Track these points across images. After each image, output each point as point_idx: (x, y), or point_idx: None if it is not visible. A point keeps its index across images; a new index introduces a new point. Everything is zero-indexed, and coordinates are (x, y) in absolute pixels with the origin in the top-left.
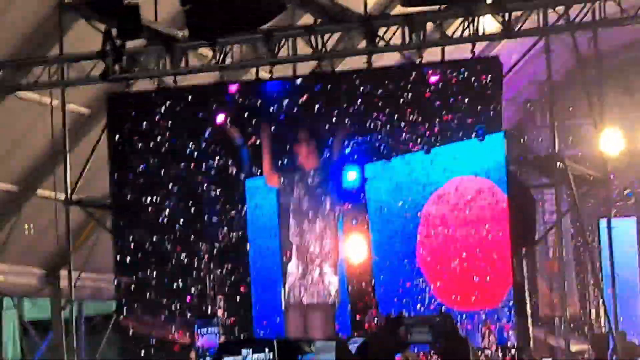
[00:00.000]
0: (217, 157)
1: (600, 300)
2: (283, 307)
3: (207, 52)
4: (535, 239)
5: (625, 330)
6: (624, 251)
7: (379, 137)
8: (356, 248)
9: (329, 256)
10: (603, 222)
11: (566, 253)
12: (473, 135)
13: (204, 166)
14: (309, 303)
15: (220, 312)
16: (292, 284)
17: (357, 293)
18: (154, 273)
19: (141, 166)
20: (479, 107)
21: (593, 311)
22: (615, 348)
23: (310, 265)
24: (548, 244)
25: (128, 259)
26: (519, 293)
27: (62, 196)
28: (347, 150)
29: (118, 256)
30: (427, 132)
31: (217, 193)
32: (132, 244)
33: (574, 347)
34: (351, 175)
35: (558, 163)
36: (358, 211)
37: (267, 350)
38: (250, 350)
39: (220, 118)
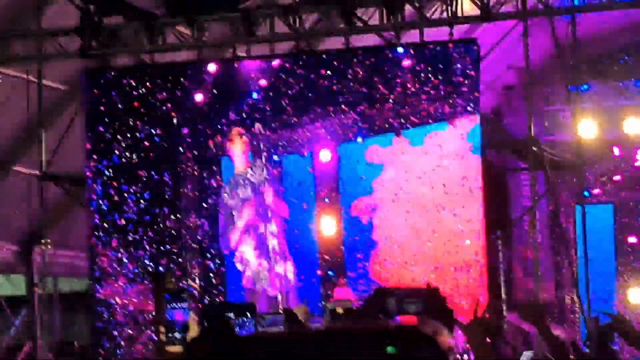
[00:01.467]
0: (194, 134)
1: (575, 286)
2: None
3: (185, 29)
4: (510, 222)
5: (599, 316)
6: (601, 237)
7: (354, 118)
8: (328, 224)
9: (281, 252)
10: (579, 208)
11: (542, 238)
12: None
13: (180, 142)
14: (274, 295)
15: (195, 285)
16: (255, 273)
17: (328, 266)
18: (130, 247)
19: (117, 142)
20: (455, 89)
21: (567, 296)
22: (589, 334)
23: (272, 259)
24: (524, 228)
25: (102, 233)
26: (493, 276)
27: (37, 172)
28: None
29: (92, 230)
30: (400, 114)
31: (194, 168)
32: (106, 219)
33: None
34: (324, 155)
35: (533, 147)
36: (330, 189)
37: (249, 314)
38: (233, 314)
39: (199, 97)
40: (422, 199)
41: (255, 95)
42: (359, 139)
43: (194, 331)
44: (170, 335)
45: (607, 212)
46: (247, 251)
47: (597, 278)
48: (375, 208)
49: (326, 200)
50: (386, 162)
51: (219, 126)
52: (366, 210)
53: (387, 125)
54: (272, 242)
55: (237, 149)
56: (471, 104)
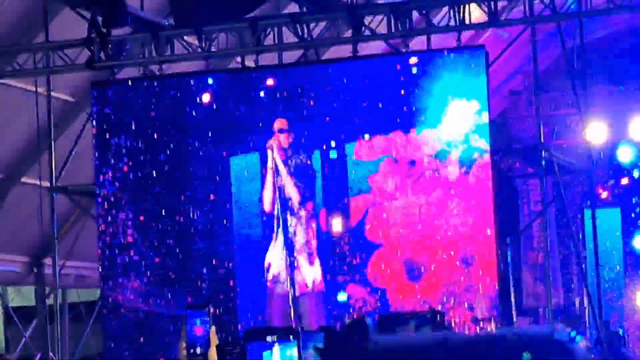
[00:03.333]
0: (202, 138)
1: (585, 290)
2: (268, 296)
3: (192, 40)
4: (519, 228)
5: (608, 320)
6: (609, 241)
7: (361, 118)
8: (337, 224)
9: (305, 248)
10: (588, 212)
11: (551, 243)
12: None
13: (189, 150)
14: (297, 295)
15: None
16: (276, 274)
17: (338, 266)
18: (140, 256)
19: (126, 153)
20: (463, 96)
21: (577, 301)
22: (599, 338)
23: (296, 256)
24: (533, 234)
25: (113, 245)
26: (503, 283)
27: (47, 184)
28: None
29: (102, 242)
30: (405, 112)
31: (203, 173)
32: (117, 230)
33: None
34: (332, 153)
35: (543, 153)
36: (337, 187)
37: (291, 337)
38: (275, 337)
39: (206, 97)
40: (425, 201)
41: (262, 94)
42: (366, 136)
43: (214, 346)
44: (191, 351)
45: (615, 216)
46: (271, 247)
47: (606, 281)
48: (371, 207)
49: (334, 198)
50: (385, 158)
51: (228, 127)
52: (363, 209)
53: (392, 122)
54: (298, 240)
55: (279, 141)
56: (481, 104)
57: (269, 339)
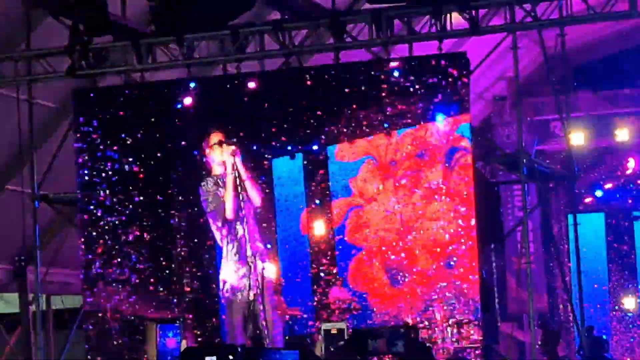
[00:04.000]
0: (184, 143)
1: (568, 296)
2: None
3: (174, 47)
4: (501, 234)
5: (592, 325)
6: (593, 246)
7: (343, 121)
8: (319, 227)
9: (257, 252)
10: (571, 217)
11: (536, 248)
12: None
13: (171, 155)
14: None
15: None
16: (234, 286)
17: (320, 270)
18: (123, 263)
19: (107, 161)
20: (446, 101)
21: (561, 306)
22: (582, 344)
23: (251, 263)
24: (517, 239)
25: (95, 254)
26: (487, 287)
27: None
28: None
29: (85, 252)
30: (388, 117)
31: (186, 178)
32: (100, 237)
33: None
34: (313, 157)
35: (525, 159)
36: (321, 191)
37: (230, 357)
38: (214, 358)
39: (188, 101)
40: (406, 204)
41: (245, 98)
42: (345, 140)
43: None
44: None
45: (599, 221)
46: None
47: (590, 286)
48: (352, 209)
49: (317, 201)
50: (367, 160)
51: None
52: (344, 212)
53: (374, 125)
54: (254, 245)
55: (216, 155)
56: (463, 108)
57: (207, 359)
